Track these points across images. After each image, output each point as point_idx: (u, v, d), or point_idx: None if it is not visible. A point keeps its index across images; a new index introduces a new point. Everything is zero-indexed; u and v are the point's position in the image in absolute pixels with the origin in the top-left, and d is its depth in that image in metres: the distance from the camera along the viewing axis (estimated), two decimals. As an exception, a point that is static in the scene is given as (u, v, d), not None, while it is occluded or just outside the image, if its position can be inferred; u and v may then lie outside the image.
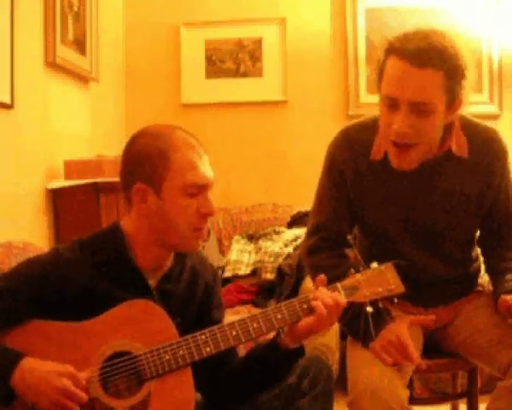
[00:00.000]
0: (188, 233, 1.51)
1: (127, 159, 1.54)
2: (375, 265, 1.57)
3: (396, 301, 1.58)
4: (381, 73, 1.70)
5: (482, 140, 1.80)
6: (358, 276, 1.55)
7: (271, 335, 1.59)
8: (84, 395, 1.36)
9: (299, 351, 1.56)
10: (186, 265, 1.62)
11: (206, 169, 1.52)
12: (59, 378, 1.35)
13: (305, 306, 1.50)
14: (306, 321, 1.50)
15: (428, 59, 1.59)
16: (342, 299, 1.50)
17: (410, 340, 1.67)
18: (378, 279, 1.55)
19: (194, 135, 1.56)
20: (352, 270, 1.56)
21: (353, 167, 1.83)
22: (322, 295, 1.49)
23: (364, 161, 1.82)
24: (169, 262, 1.59)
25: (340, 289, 1.53)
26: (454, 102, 1.67)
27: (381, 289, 1.54)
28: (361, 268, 1.56)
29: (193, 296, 1.61)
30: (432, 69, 1.60)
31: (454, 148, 1.77)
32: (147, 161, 1.49)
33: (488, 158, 1.80)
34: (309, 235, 1.93)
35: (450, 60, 1.62)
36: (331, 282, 1.56)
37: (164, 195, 1.49)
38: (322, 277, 1.55)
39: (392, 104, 1.65)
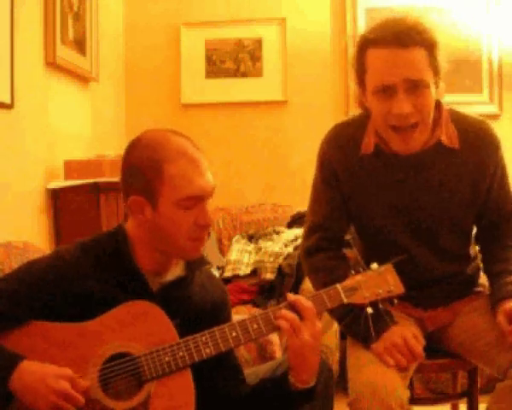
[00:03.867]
0: (186, 244, 1.49)
1: (124, 169, 1.52)
2: (374, 266, 1.57)
3: (396, 302, 1.58)
4: (361, 66, 1.72)
5: (474, 132, 1.81)
6: (358, 277, 1.55)
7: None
8: (81, 399, 1.35)
9: (309, 393, 1.52)
10: (196, 279, 1.60)
11: (203, 179, 1.47)
12: (57, 381, 1.34)
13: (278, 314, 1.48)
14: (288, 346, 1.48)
15: (410, 38, 1.64)
16: (306, 302, 1.47)
17: (415, 341, 1.68)
18: (378, 280, 1.55)
19: (191, 140, 1.52)
20: (352, 271, 1.56)
21: (344, 163, 1.84)
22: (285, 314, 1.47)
23: (355, 156, 1.83)
24: (178, 271, 1.57)
25: (340, 290, 1.52)
26: (438, 78, 1.71)
27: (380, 291, 1.54)
28: (361, 269, 1.56)
29: (197, 311, 1.57)
30: (414, 47, 1.64)
31: (444, 139, 1.78)
32: (141, 173, 1.46)
33: (480, 150, 1.80)
34: (307, 235, 1.93)
35: (428, 36, 1.67)
36: (331, 284, 1.55)
37: (159, 208, 1.46)
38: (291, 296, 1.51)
39: (386, 91, 1.67)
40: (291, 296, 1.50)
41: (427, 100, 1.68)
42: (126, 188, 1.51)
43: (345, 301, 1.52)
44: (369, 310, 1.52)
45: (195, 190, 1.45)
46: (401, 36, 1.63)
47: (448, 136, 1.79)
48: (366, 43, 1.70)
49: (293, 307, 1.48)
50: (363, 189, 1.84)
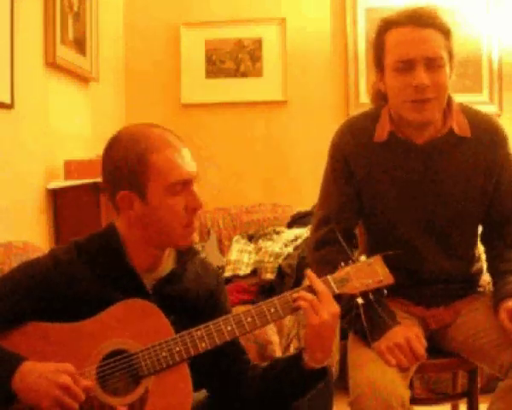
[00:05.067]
0: (179, 231, 1.50)
1: (107, 166, 1.52)
2: (363, 258, 1.60)
3: (386, 292, 1.59)
4: (380, 48, 1.79)
5: (484, 125, 1.86)
6: (348, 269, 1.57)
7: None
8: (82, 394, 1.35)
9: (322, 373, 1.52)
10: (188, 269, 1.60)
11: (188, 164, 1.50)
12: (59, 375, 1.34)
13: (296, 296, 1.50)
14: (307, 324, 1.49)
15: (427, 20, 1.74)
16: (323, 288, 1.50)
17: (417, 342, 1.68)
18: (367, 271, 1.57)
19: (170, 130, 1.54)
20: (342, 263, 1.58)
21: (356, 152, 1.86)
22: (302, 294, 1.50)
23: (367, 144, 1.85)
24: (170, 265, 1.58)
25: (331, 281, 1.54)
26: (452, 63, 1.78)
27: (370, 281, 1.56)
28: (350, 262, 1.58)
29: (194, 302, 1.58)
30: (432, 29, 1.73)
31: (455, 127, 1.82)
32: (126, 167, 1.47)
33: (491, 143, 1.84)
34: (317, 227, 1.91)
35: (444, 23, 1.76)
36: None
37: (149, 199, 1.47)
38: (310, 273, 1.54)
39: (405, 67, 1.73)
40: (310, 273, 1.52)
41: (442, 78, 1.75)
42: (111, 186, 1.51)
43: (336, 291, 1.53)
44: (360, 300, 1.54)
45: (182, 174, 1.48)
46: (419, 17, 1.73)
47: (459, 125, 1.83)
48: (386, 26, 1.78)
49: (311, 290, 1.49)
50: (375, 177, 1.85)
